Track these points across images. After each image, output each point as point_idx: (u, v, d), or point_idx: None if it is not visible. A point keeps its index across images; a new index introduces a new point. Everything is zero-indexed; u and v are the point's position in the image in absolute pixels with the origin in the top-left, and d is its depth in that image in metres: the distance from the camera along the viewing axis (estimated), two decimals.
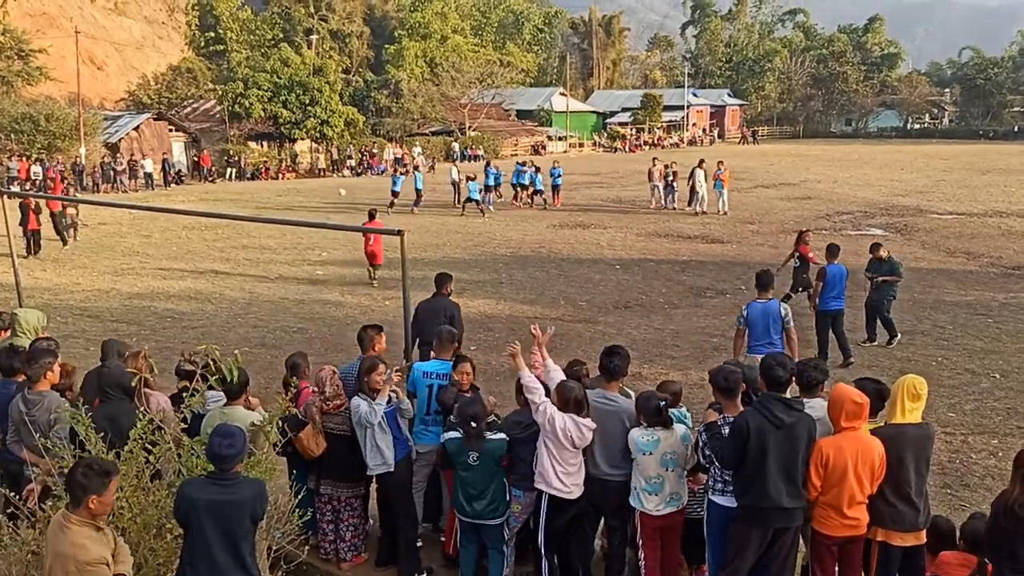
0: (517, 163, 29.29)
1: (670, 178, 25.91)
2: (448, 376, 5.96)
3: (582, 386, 5.26)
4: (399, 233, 6.28)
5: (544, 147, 59.77)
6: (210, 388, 4.92)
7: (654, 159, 28.43)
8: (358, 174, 43.74)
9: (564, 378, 5.36)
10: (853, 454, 4.61)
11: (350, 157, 44.15)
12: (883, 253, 11.42)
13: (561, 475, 5.09)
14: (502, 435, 5.32)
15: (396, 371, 5.74)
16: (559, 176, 28.26)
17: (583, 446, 5.12)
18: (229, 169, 40.13)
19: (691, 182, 25.72)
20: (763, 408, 4.68)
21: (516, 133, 61.15)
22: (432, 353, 6.19)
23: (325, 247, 20.07)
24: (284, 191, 34.80)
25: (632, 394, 5.61)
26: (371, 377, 5.55)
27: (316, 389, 5.82)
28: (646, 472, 5.07)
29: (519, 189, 27.72)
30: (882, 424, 4.80)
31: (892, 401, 4.79)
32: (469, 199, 25.51)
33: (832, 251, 10.68)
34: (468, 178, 26.18)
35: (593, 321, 12.85)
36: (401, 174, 29.40)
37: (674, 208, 25.56)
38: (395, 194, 27.05)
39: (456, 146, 50.63)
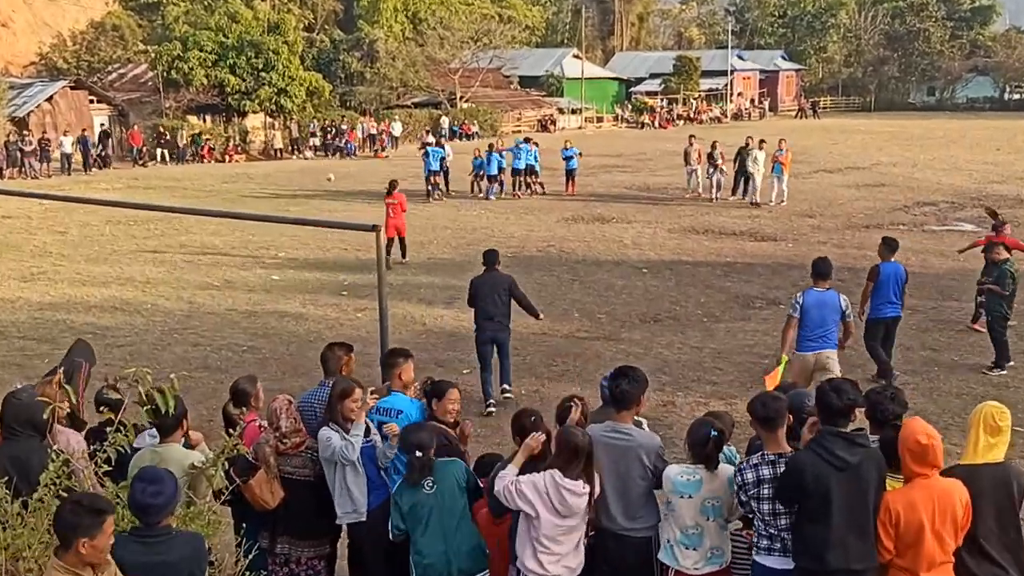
0: (516, 142, 29.47)
1: (716, 161, 25.79)
2: (397, 413, 5.90)
3: (588, 436, 5.02)
4: (374, 229, 6.33)
5: (554, 122, 60.11)
6: (139, 426, 4.90)
7: (691, 137, 28.56)
8: (323, 154, 43.99)
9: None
10: (928, 508, 4.53)
11: (314, 134, 44.39)
12: (999, 255, 11.27)
13: (543, 557, 4.86)
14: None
15: (372, 394, 5.75)
16: (573, 158, 28.39)
17: (574, 515, 4.88)
18: (162, 150, 40.37)
19: (737, 165, 25.82)
20: (820, 447, 4.64)
21: (519, 105, 61.48)
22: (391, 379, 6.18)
23: (283, 246, 20.15)
24: (232, 176, 34.96)
25: (644, 424, 5.58)
26: (344, 404, 5.55)
27: (268, 424, 5.82)
28: (682, 521, 4.98)
29: (521, 176, 27.82)
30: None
31: (968, 435, 4.78)
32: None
33: (889, 246, 10.74)
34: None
35: (614, 338, 12.87)
36: (438, 146, 29.05)
37: (716, 198, 25.63)
38: (435, 175, 27.31)
39: (445, 121, 50.87)
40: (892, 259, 10.63)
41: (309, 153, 43.78)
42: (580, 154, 28.97)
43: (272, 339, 13.05)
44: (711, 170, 25.92)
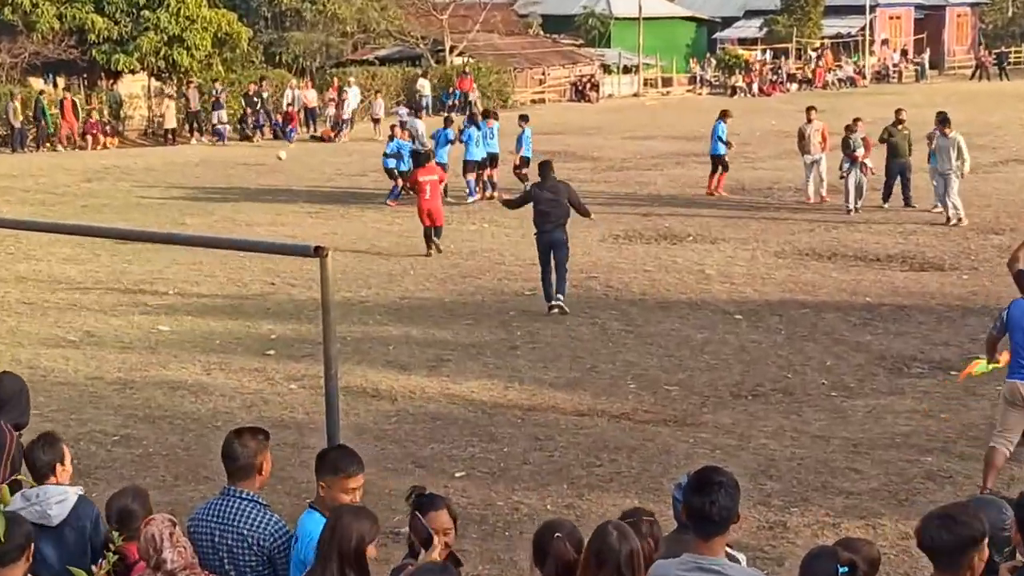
0: (520, 118, 30.23)
1: (854, 148, 25.20)
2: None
3: (631, 535, 5.28)
4: (318, 253, 6.35)
5: (596, 86, 60.55)
6: None
7: (810, 110, 28.42)
8: (245, 135, 44.32)
9: None
10: None
11: (218, 104, 44.16)
12: None
13: None
14: None
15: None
16: (721, 137, 28.40)
17: None
18: None
19: (887, 157, 25.54)
20: None
21: (541, 60, 61.99)
22: None
23: (175, 279, 20.28)
24: (98, 171, 35.35)
25: (742, 559, 5.62)
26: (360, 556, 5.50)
27: (144, 560, 5.83)
28: None
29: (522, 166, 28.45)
30: None
31: None
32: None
33: None
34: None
35: (692, 423, 12.89)
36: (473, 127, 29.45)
37: (855, 208, 25.21)
38: (477, 165, 28.52)
39: (426, 84, 51.28)
40: None
41: (206, 139, 43.93)
42: (727, 142, 28.84)
43: (158, 424, 13.06)
44: (847, 164, 25.37)
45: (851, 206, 25.20)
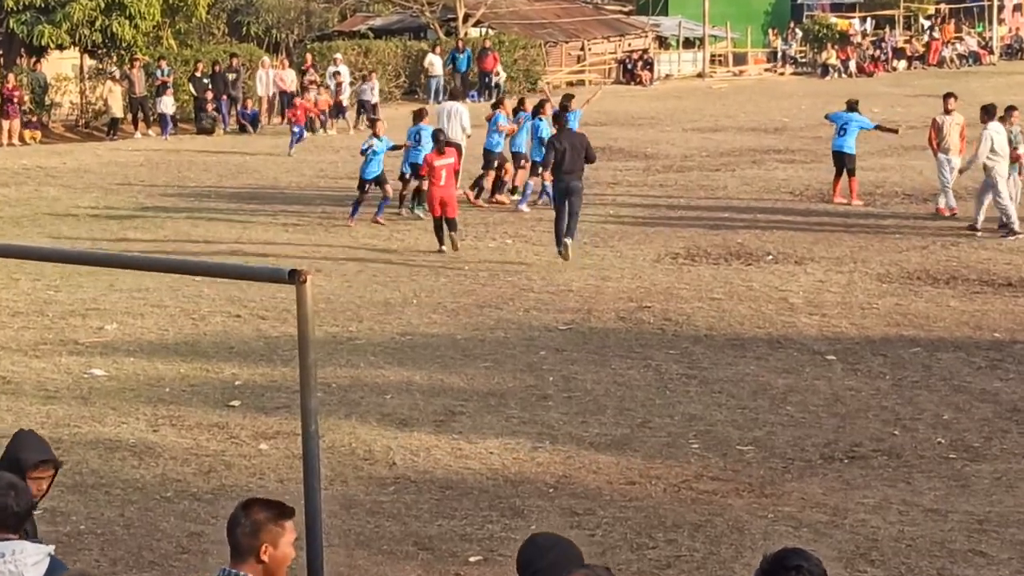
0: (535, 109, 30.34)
1: (1016, 144, 25.00)
2: None
3: None
4: (294, 278, 6.38)
5: (649, 65, 60.63)
6: None
7: (949, 97, 28.06)
8: (203, 127, 44.47)
9: None
10: None
11: (163, 86, 44.19)
12: None
13: None
14: None
15: None
16: (849, 129, 28.46)
17: None
18: None
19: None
20: None
21: (580, 31, 62.14)
22: None
23: (114, 310, 20.33)
24: (16, 174, 35.49)
25: None
26: None
27: None
28: None
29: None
30: None
31: None
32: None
33: None
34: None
35: (771, 493, 12.90)
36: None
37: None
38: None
39: (436, 62, 51.36)
40: None
41: (150, 133, 44.11)
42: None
43: (91, 495, 13.08)
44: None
45: (1013, 221, 24.72)
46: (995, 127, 24.74)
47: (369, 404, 15.68)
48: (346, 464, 13.50)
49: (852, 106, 29.26)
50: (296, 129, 38.97)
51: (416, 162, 26.98)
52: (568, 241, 22.34)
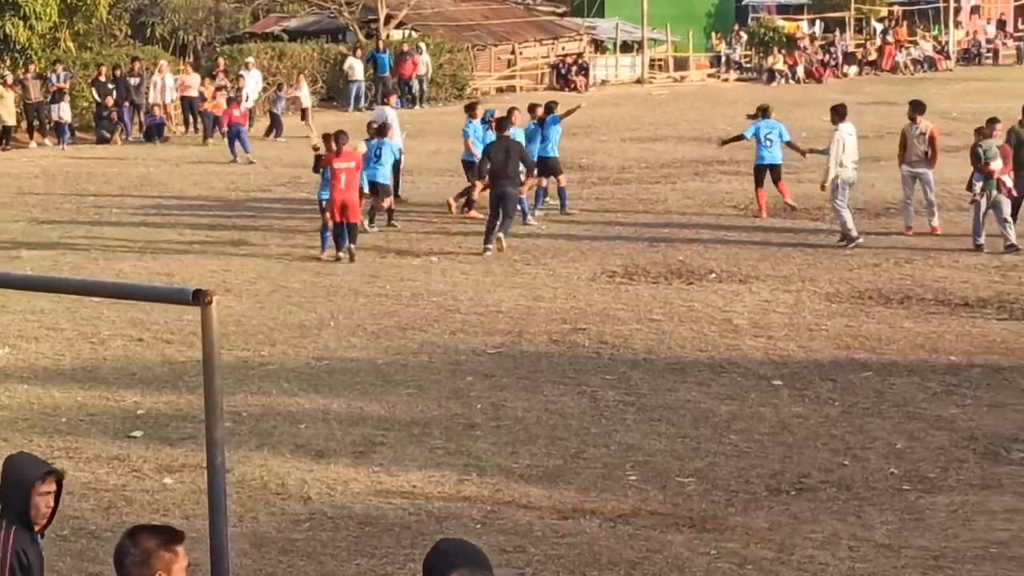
0: (486, 112, 30.75)
1: (989, 159, 24.93)
2: None
3: None
4: (198, 299, 6.33)
5: (584, 70, 60.77)
6: None
7: (916, 106, 28.08)
8: (102, 136, 44.13)
9: None
10: None
11: (59, 92, 43.70)
12: None
13: None
14: None
15: None
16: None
17: None
18: None
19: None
20: None
21: (511, 34, 62.27)
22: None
23: (4, 334, 20.27)
24: None
25: None
26: None
27: None
28: None
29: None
30: None
31: None
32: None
33: None
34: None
35: (713, 527, 12.92)
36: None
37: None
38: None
39: (357, 66, 51.26)
40: None
41: (47, 142, 43.69)
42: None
43: None
44: (979, 182, 24.97)
45: (982, 240, 25.06)
46: (847, 128, 25.17)
47: (282, 434, 15.64)
48: (257, 499, 13.44)
49: (767, 112, 29.44)
50: (232, 130, 39.12)
51: (374, 180, 27.00)
52: (500, 235, 24.95)
